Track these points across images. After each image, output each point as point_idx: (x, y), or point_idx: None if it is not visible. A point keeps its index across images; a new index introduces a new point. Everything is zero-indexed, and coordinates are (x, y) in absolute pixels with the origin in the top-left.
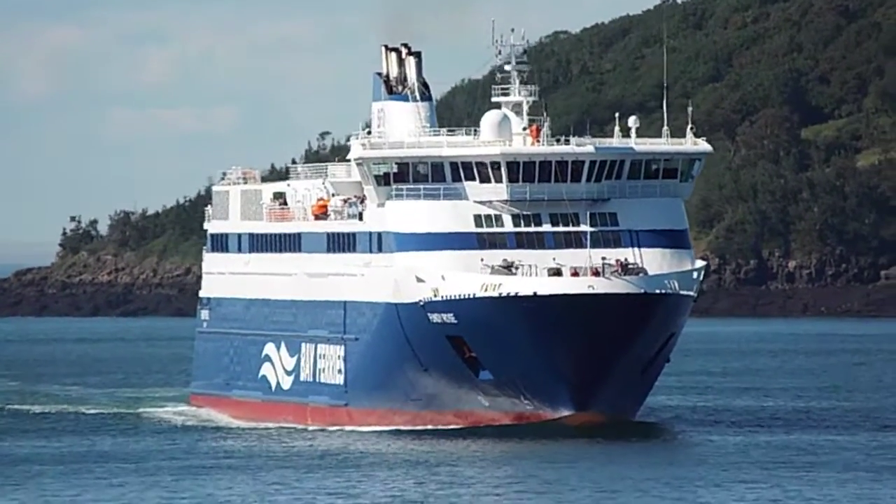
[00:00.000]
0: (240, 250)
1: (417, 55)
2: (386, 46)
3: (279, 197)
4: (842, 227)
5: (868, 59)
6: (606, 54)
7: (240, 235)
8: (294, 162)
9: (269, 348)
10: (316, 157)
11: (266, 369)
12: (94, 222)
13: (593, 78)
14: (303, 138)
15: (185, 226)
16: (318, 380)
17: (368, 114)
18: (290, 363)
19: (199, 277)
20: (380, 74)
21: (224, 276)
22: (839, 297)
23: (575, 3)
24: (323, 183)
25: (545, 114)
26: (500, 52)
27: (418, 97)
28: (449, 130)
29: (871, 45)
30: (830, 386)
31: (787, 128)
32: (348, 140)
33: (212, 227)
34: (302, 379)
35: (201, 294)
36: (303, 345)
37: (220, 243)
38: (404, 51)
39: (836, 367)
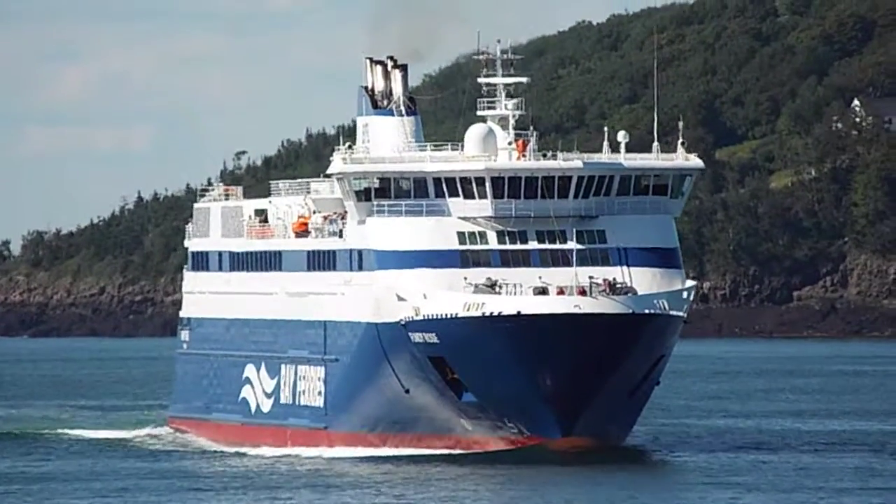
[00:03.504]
0: (220, 269)
1: (403, 68)
2: (371, 59)
3: (260, 214)
4: (755, 248)
5: (781, 81)
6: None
7: (220, 253)
8: (209, 182)
9: (250, 370)
10: (231, 176)
11: (246, 391)
12: (6, 242)
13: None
14: (219, 157)
15: (100, 245)
16: (297, 402)
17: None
18: (269, 385)
19: (114, 297)
20: (365, 88)
21: (204, 296)
22: (752, 318)
23: (489, 24)
24: (304, 199)
25: (532, 127)
26: (486, 65)
27: (404, 111)
28: (434, 145)
29: (784, 68)
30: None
31: (702, 149)
32: (265, 160)
33: (192, 244)
34: (282, 401)
35: (181, 314)
36: (283, 366)
37: (201, 262)
38: (390, 63)
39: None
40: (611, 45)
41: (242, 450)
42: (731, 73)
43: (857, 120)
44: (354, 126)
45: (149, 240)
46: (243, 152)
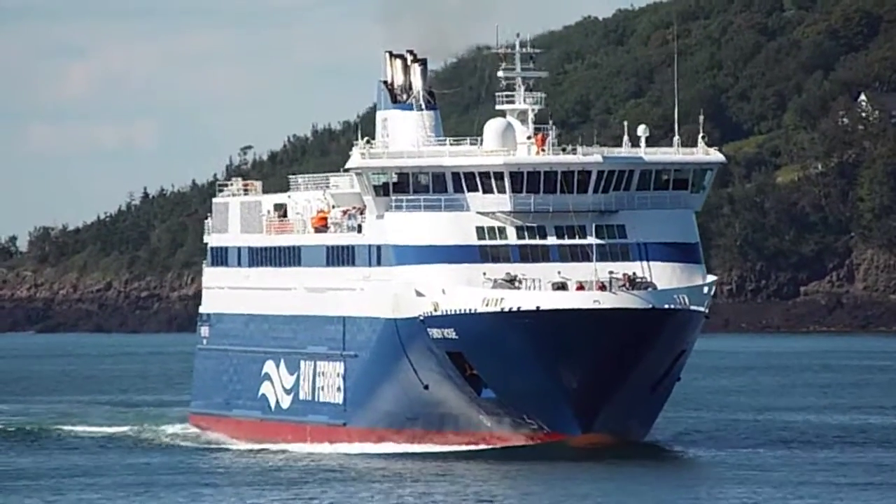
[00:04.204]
0: (239, 264)
1: (423, 62)
2: (390, 53)
3: (279, 209)
4: (762, 243)
5: (787, 76)
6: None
7: (239, 249)
8: (215, 177)
9: (269, 366)
10: (237, 171)
11: (265, 388)
12: (13, 238)
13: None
14: (225, 153)
15: (106, 241)
16: (317, 398)
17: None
18: (289, 381)
19: (120, 293)
20: (385, 83)
21: (224, 291)
22: (759, 313)
23: (496, 18)
24: (323, 194)
25: (551, 122)
26: (503, 58)
27: (423, 106)
28: (454, 140)
29: (790, 63)
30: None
31: (708, 144)
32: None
33: (211, 240)
34: (301, 397)
35: (201, 310)
36: (302, 362)
37: (220, 257)
38: (409, 58)
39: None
40: (617, 39)
41: (262, 446)
42: (736, 68)
43: (864, 115)
44: (360, 121)
45: (155, 235)
46: (249, 147)
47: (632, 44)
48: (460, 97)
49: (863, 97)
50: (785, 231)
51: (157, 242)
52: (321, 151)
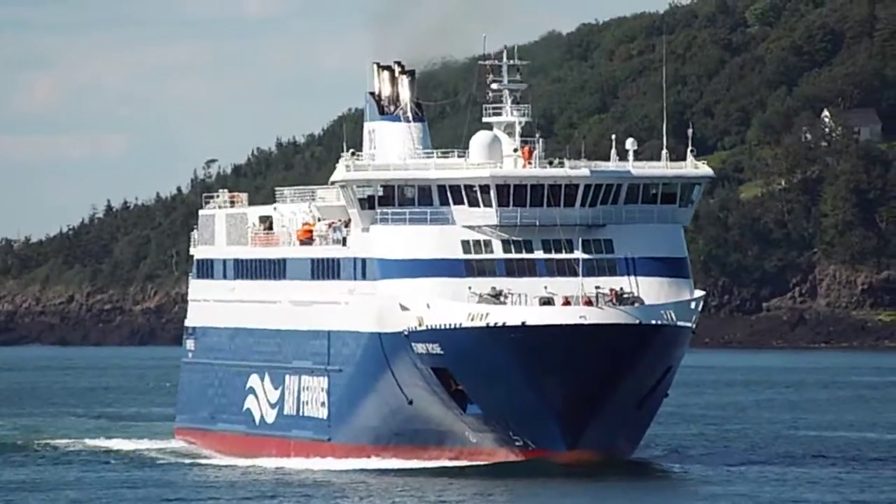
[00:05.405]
0: (225, 277)
1: (411, 74)
2: (378, 64)
3: (265, 221)
4: (725, 259)
5: (751, 91)
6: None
7: (225, 261)
8: (179, 190)
9: (254, 380)
10: (202, 184)
11: (250, 402)
12: None
13: (480, 108)
14: (190, 166)
15: (69, 254)
16: (301, 413)
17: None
18: (274, 395)
19: (82, 306)
20: (372, 94)
21: (209, 304)
22: (722, 329)
23: (470, 32)
24: (309, 207)
25: (538, 134)
26: (490, 70)
27: (411, 117)
28: (442, 152)
29: (753, 79)
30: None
31: (672, 160)
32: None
33: (197, 252)
34: (286, 412)
35: (186, 323)
36: (287, 376)
37: (206, 269)
38: (397, 69)
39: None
40: (580, 54)
41: (244, 461)
42: (700, 84)
43: (827, 131)
44: (324, 134)
45: (118, 248)
46: (213, 161)
47: (595, 58)
48: (425, 110)
49: (826, 113)
50: (748, 246)
51: (119, 255)
52: (285, 165)
